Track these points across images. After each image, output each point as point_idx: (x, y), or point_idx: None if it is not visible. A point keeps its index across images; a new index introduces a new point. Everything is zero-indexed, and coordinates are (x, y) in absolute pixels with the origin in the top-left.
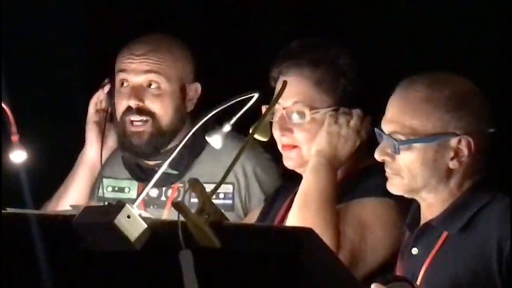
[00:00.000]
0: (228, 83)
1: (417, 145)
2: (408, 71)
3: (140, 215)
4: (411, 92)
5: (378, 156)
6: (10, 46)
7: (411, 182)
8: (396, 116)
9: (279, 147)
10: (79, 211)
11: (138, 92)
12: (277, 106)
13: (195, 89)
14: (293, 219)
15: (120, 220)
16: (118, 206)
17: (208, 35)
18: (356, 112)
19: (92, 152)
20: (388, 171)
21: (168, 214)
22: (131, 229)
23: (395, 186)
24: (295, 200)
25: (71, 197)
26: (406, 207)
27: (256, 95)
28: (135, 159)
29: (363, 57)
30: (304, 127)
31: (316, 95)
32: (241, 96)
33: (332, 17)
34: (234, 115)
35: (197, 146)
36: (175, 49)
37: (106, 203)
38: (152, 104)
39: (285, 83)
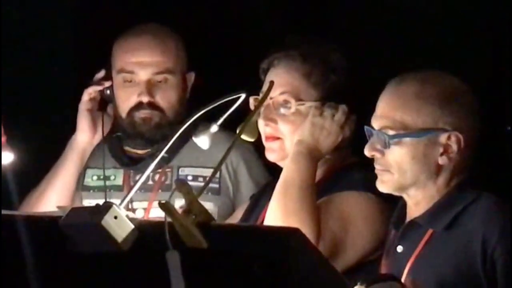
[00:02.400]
0: (217, 77)
1: (407, 140)
2: (397, 71)
3: (127, 216)
4: (402, 88)
5: (367, 151)
6: None
7: (400, 178)
8: (387, 111)
9: (263, 138)
10: (66, 212)
11: (149, 88)
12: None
13: (191, 78)
14: (274, 207)
15: (107, 220)
16: (105, 206)
17: (197, 28)
18: (342, 107)
19: (83, 139)
20: (378, 168)
21: (155, 197)
22: (118, 230)
23: (385, 184)
24: (276, 188)
25: (61, 182)
26: (390, 204)
27: (243, 96)
28: (124, 147)
29: (353, 56)
30: (288, 118)
31: (304, 88)
32: (229, 97)
33: (324, 16)
34: (221, 114)
35: (185, 132)
36: (174, 40)
37: (91, 191)
38: (161, 99)
39: (271, 84)
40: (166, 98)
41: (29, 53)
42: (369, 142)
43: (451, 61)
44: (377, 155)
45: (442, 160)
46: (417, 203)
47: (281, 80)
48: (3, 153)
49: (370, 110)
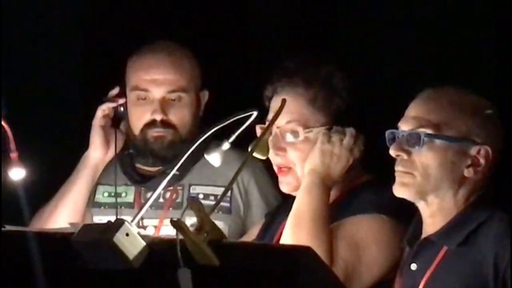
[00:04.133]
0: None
1: (439, 143)
2: (403, 90)
3: (138, 233)
4: (439, 94)
5: (393, 151)
6: (8, 63)
7: (423, 182)
8: (422, 113)
9: (274, 168)
10: (77, 228)
11: (163, 106)
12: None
13: (204, 97)
14: (287, 239)
15: (119, 238)
16: (116, 223)
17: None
18: (350, 130)
19: (96, 156)
20: (400, 169)
21: (165, 215)
22: (130, 247)
23: (405, 187)
24: (288, 219)
25: (72, 199)
26: (404, 224)
27: (255, 113)
28: (135, 165)
29: (358, 74)
30: (297, 146)
31: (310, 114)
32: (240, 114)
33: (332, 33)
34: (233, 132)
35: (197, 149)
36: (188, 58)
37: (102, 208)
38: (174, 117)
39: (284, 101)
40: (180, 117)
41: (40, 70)
42: (395, 143)
43: (462, 79)
44: (404, 155)
45: (467, 172)
46: (432, 214)
47: (287, 108)
48: (14, 170)
49: (375, 128)
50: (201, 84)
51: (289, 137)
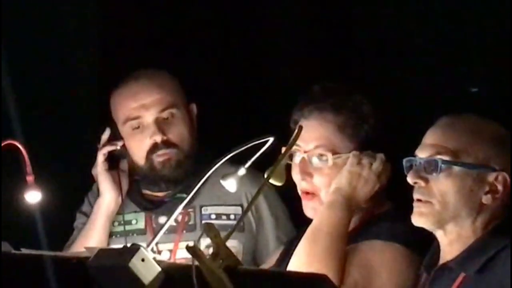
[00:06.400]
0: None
1: (457, 170)
2: (421, 118)
3: (154, 258)
4: (457, 122)
5: (411, 178)
6: (24, 88)
7: (441, 210)
8: (440, 140)
9: (299, 191)
10: (93, 253)
11: (159, 127)
12: (298, 149)
13: (193, 110)
14: (300, 250)
15: (135, 263)
16: (132, 249)
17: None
18: (380, 156)
19: (109, 200)
20: (417, 197)
21: (180, 239)
22: (145, 272)
23: (423, 216)
24: (306, 232)
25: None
26: (420, 254)
27: (271, 139)
28: (142, 191)
29: (380, 103)
30: (324, 171)
31: (338, 140)
32: (257, 140)
33: (349, 60)
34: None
35: (205, 171)
36: (168, 77)
37: (114, 237)
38: (173, 135)
39: (300, 128)
40: (178, 133)
41: (56, 94)
42: (413, 170)
43: (481, 105)
44: (422, 183)
45: (486, 199)
46: (451, 243)
47: (315, 133)
48: (31, 193)
49: (400, 157)
50: (187, 99)
51: (316, 162)
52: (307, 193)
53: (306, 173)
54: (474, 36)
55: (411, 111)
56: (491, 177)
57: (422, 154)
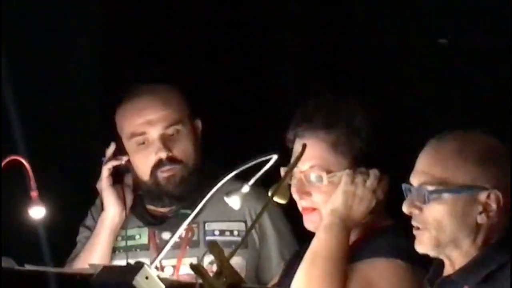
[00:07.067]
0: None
1: (446, 196)
2: (426, 128)
3: (158, 276)
4: (442, 145)
5: (406, 208)
6: (28, 104)
7: (439, 235)
8: (427, 168)
9: (300, 209)
10: (97, 270)
11: (165, 143)
12: (295, 169)
13: (199, 125)
14: (300, 276)
15: (138, 281)
16: (136, 266)
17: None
18: (373, 172)
19: (113, 214)
20: (415, 225)
21: (183, 255)
22: None
23: (423, 244)
24: (304, 256)
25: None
26: (422, 271)
27: (275, 157)
28: (146, 206)
29: (378, 113)
30: (322, 189)
31: (332, 158)
32: (260, 158)
33: (344, 68)
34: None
35: (209, 187)
36: (173, 92)
37: (117, 252)
38: (178, 151)
39: (304, 146)
40: (183, 149)
41: (60, 108)
42: (408, 199)
43: (484, 118)
44: (416, 211)
45: (481, 219)
46: (453, 262)
47: (309, 153)
48: (35, 208)
49: (404, 165)
50: (193, 114)
51: (313, 182)
52: (307, 208)
53: (304, 192)
54: (481, 46)
55: (412, 111)
56: (482, 196)
57: (414, 181)
